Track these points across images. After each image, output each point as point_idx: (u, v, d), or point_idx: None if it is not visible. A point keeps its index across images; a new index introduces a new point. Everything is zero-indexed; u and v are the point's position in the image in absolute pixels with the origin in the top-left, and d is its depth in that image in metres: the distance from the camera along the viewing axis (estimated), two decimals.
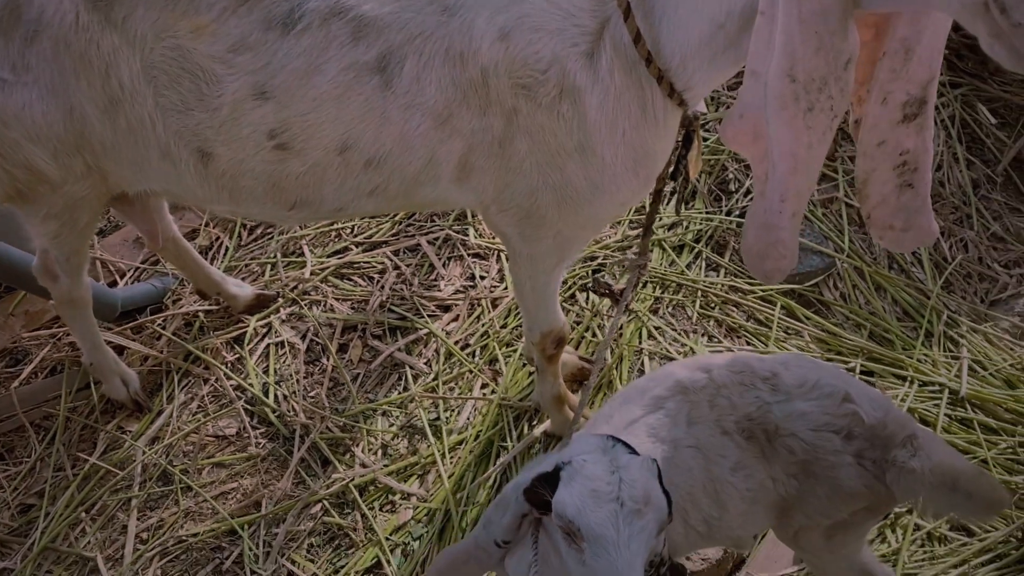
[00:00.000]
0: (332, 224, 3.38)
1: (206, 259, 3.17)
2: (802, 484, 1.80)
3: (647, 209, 2.24)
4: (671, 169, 2.04)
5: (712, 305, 3.08)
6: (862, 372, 2.87)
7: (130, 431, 2.87)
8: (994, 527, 2.52)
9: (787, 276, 3.12)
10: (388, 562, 2.54)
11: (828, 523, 1.85)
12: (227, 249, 3.36)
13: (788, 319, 3.02)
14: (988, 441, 2.67)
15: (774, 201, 1.57)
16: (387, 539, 2.58)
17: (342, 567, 2.55)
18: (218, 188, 1.99)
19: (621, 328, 2.99)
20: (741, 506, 1.83)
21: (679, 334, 2.98)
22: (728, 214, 3.33)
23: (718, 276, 3.16)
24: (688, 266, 3.19)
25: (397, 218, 3.38)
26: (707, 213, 3.34)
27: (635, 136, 1.82)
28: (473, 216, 3.37)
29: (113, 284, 3.25)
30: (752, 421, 1.81)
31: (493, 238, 3.31)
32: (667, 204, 3.35)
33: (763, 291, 3.09)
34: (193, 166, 1.96)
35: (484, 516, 1.67)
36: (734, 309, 3.06)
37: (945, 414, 2.73)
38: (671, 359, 2.89)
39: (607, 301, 3.03)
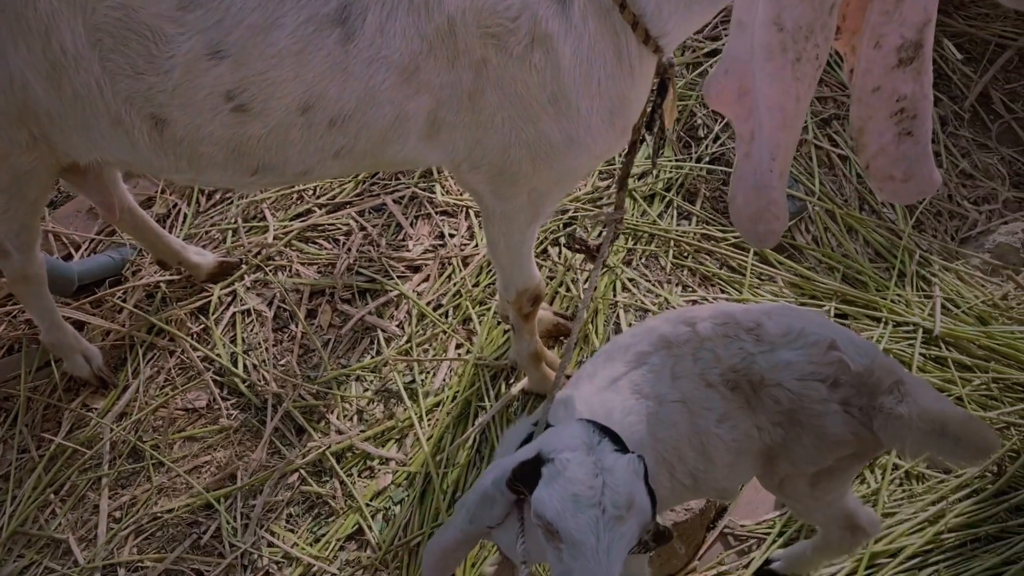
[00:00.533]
0: (293, 187, 3.28)
1: (164, 227, 3.06)
2: (788, 433, 1.79)
3: (622, 161, 2.19)
4: (646, 119, 1.98)
5: (685, 254, 3.04)
6: (836, 315, 2.87)
7: (96, 408, 2.78)
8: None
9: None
10: (369, 528, 2.51)
11: (813, 470, 1.84)
12: (185, 216, 3.25)
13: (761, 265, 3.00)
14: (962, 378, 2.69)
15: (763, 160, 1.52)
16: (367, 505, 2.55)
17: (323, 535, 2.51)
18: (176, 156, 1.89)
19: (591, 280, 2.95)
20: (727, 457, 1.82)
21: (653, 285, 2.95)
22: (698, 161, 3.28)
23: (690, 224, 3.13)
24: (660, 216, 3.15)
25: (361, 177, 3.28)
26: (676, 161, 3.29)
27: (611, 85, 1.76)
28: (440, 173, 3.28)
29: (68, 258, 3.13)
30: (737, 372, 1.78)
31: (461, 195, 3.24)
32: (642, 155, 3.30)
33: (735, 238, 3.06)
34: (147, 133, 1.85)
35: (466, 509, 1.58)
36: (707, 257, 3.04)
37: (920, 353, 2.74)
38: (646, 311, 2.86)
39: (580, 256, 2.99)
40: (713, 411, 1.77)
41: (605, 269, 2.97)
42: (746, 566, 2.39)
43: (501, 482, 1.45)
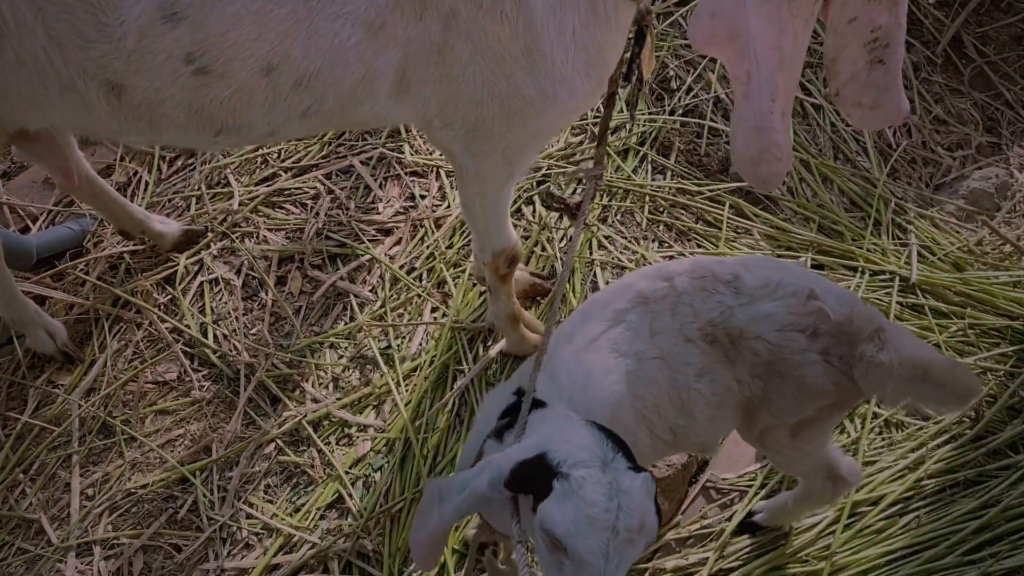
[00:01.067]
0: (257, 150, 3.18)
1: (125, 196, 2.96)
2: (767, 384, 1.78)
3: (600, 115, 2.13)
4: (624, 70, 1.91)
5: (661, 209, 3.01)
6: (813, 265, 2.85)
7: (62, 385, 2.71)
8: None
9: (734, 174, 3.08)
10: (350, 496, 2.47)
11: (794, 421, 1.83)
12: (147, 184, 3.14)
13: (737, 218, 2.97)
14: (939, 325, 2.70)
15: (763, 102, 1.47)
16: (347, 473, 2.51)
17: (302, 505, 2.48)
18: (134, 119, 1.80)
19: (571, 240, 2.90)
20: (707, 411, 1.80)
21: (629, 241, 2.91)
22: (671, 114, 3.23)
23: (665, 179, 3.08)
24: (634, 171, 3.10)
25: (327, 139, 3.19)
26: (650, 114, 3.24)
27: (585, 35, 1.69)
28: (408, 132, 3.20)
29: (25, 230, 3.02)
30: (715, 326, 1.76)
31: (431, 154, 3.16)
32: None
33: (711, 191, 3.03)
34: (104, 99, 1.76)
35: (454, 506, 1.45)
36: (683, 212, 3.00)
37: (897, 302, 2.74)
38: (623, 268, 2.82)
39: (557, 215, 2.93)
40: (692, 366, 1.74)
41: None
42: (729, 519, 2.40)
43: (499, 483, 1.37)
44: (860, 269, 2.83)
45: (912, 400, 1.70)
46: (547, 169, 3.08)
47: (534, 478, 1.33)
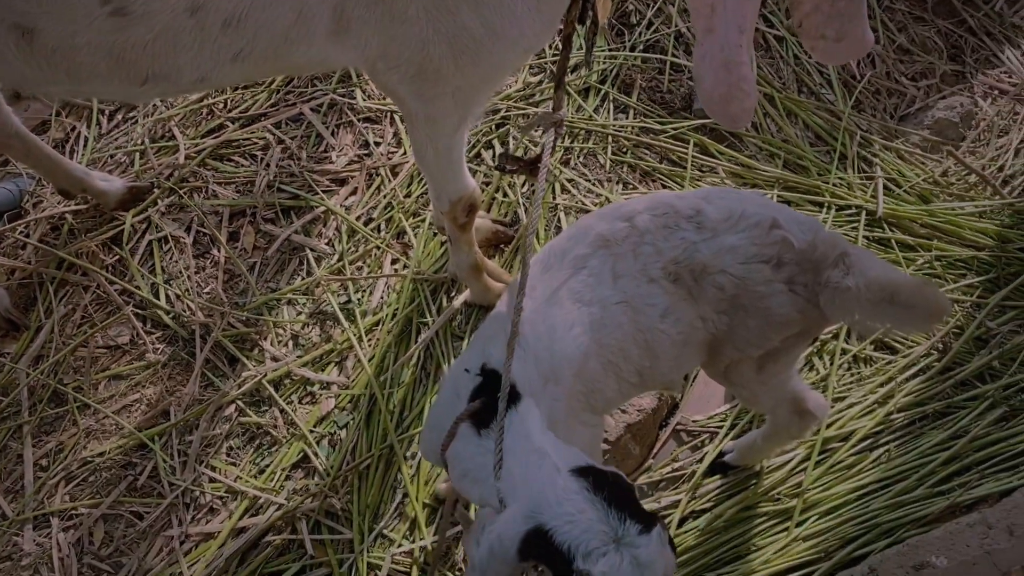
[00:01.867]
0: (202, 100, 3.04)
1: (63, 153, 2.82)
2: (732, 319, 1.74)
3: (555, 55, 2.03)
4: (578, 11, 1.81)
5: (624, 150, 2.93)
6: (779, 201, 2.80)
7: (8, 353, 2.60)
8: (916, 342, 2.56)
9: (697, 111, 3.01)
10: (315, 454, 2.42)
11: (759, 354, 1.80)
12: (86, 140, 3.00)
13: (702, 156, 2.91)
14: (906, 258, 2.67)
15: (731, 35, 1.39)
16: (311, 432, 2.45)
17: (267, 466, 2.42)
18: (51, 67, 1.67)
19: (532, 185, 2.82)
20: (672, 351, 1.76)
21: (593, 184, 2.84)
22: (632, 50, 3.13)
23: (627, 118, 3.00)
24: (595, 110, 3.01)
25: (274, 86, 3.06)
26: (610, 51, 3.14)
27: None
28: (359, 76, 3.07)
29: None
30: (678, 264, 1.71)
31: (384, 99, 3.04)
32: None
33: (674, 130, 2.95)
34: (14, 44, 1.63)
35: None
36: (647, 152, 2.93)
37: (864, 236, 2.71)
38: (587, 212, 2.75)
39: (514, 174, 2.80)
40: (656, 307, 1.69)
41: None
42: (700, 460, 2.38)
43: (505, 557, 1.33)
44: (827, 204, 2.79)
45: (881, 324, 1.67)
46: (506, 111, 2.98)
47: (545, 558, 1.30)
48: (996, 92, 3.09)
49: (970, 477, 2.29)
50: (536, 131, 2.89)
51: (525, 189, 2.82)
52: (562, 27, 1.93)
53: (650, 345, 1.75)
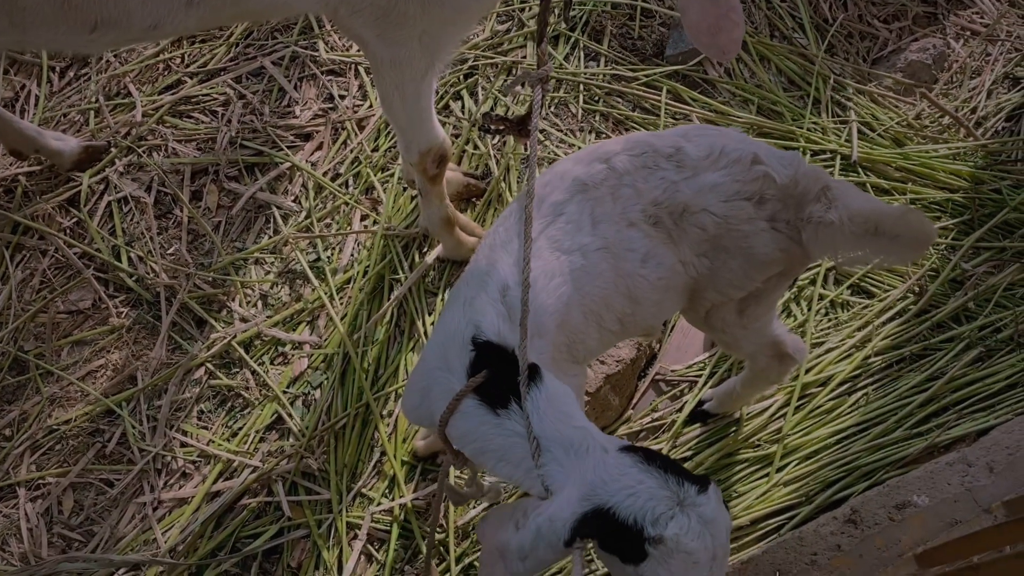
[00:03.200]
0: (158, 55, 2.92)
1: (13, 113, 2.70)
2: (714, 262, 1.71)
3: (537, 11, 1.95)
4: None
5: (596, 98, 2.87)
6: None
7: None
8: (892, 285, 2.55)
9: (670, 58, 2.95)
10: (290, 415, 2.37)
11: (741, 296, 1.77)
12: (37, 98, 2.87)
13: (675, 103, 2.86)
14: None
15: None
16: (284, 392, 2.40)
17: (240, 429, 2.37)
18: None
19: (504, 141, 2.76)
20: (654, 296, 1.73)
21: (565, 134, 2.78)
22: None
23: (598, 66, 2.94)
24: (566, 58, 2.94)
25: (232, 39, 2.94)
26: None
27: None
28: (321, 27, 2.97)
29: None
30: (659, 206, 1.66)
31: (348, 50, 2.95)
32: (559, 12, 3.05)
33: (646, 77, 2.89)
34: None
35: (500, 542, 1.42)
36: (619, 100, 2.87)
37: None
38: None
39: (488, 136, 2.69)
40: (636, 252, 1.65)
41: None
42: (680, 410, 2.37)
43: (556, 543, 1.33)
44: (801, 149, 2.75)
45: (866, 256, 1.65)
46: (474, 61, 2.90)
47: (609, 535, 1.32)
48: (968, 33, 3.07)
49: (948, 418, 2.30)
50: (521, 88, 2.81)
51: (496, 141, 2.75)
52: None
53: (631, 292, 1.71)
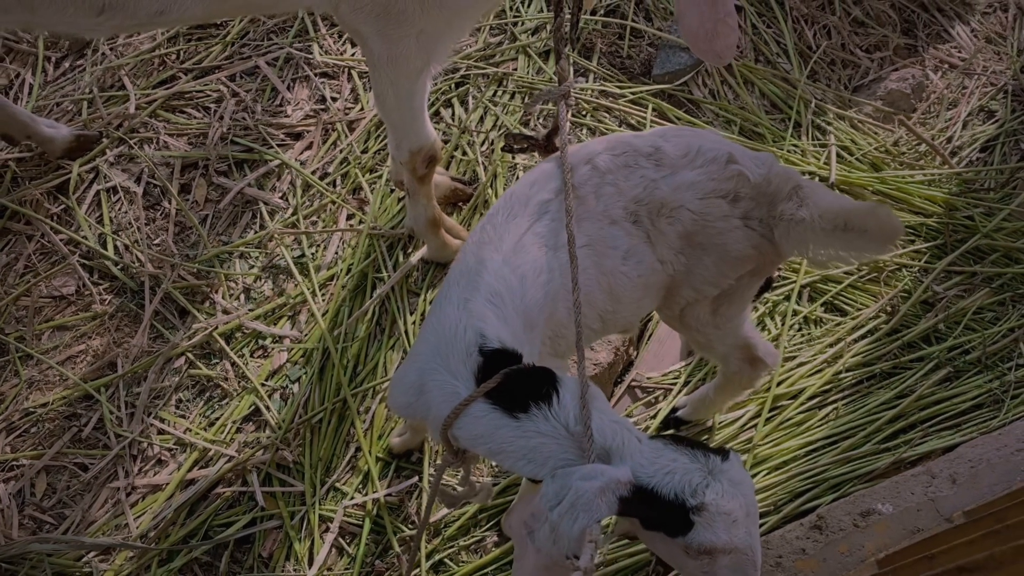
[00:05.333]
0: (154, 50, 2.96)
1: (8, 100, 2.72)
2: (689, 259, 1.76)
3: (515, 16, 2.01)
4: None
5: (583, 112, 2.93)
6: None
7: None
8: (865, 304, 2.61)
9: (656, 77, 3.02)
10: (267, 408, 2.38)
11: (715, 293, 1.82)
12: (31, 87, 2.90)
13: (660, 120, 2.92)
14: None
15: None
16: (263, 385, 2.41)
17: (217, 419, 2.38)
18: None
19: (492, 143, 2.81)
20: (634, 294, 1.77)
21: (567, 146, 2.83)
22: (593, 14, 3.12)
23: (587, 81, 3.00)
24: (555, 73, 3.00)
25: (229, 38, 2.99)
26: (571, 14, 3.12)
27: None
28: (316, 30, 3.02)
29: None
30: (639, 203, 1.72)
31: (342, 54, 3.00)
32: (535, 8, 3.11)
33: (633, 94, 2.96)
34: None
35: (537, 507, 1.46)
36: (606, 115, 2.93)
37: None
38: None
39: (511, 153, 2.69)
40: (618, 249, 1.70)
41: (502, 129, 2.82)
42: (654, 417, 2.40)
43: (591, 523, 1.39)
44: None
45: (835, 252, 1.70)
46: (466, 71, 2.95)
47: (654, 515, 1.43)
48: (946, 66, 3.16)
49: (915, 434, 2.35)
50: (543, 104, 2.85)
51: (484, 147, 2.80)
52: None
53: (613, 289, 1.75)
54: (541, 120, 2.87)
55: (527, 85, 2.93)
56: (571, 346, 1.79)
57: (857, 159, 2.88)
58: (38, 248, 2.60)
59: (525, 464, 1.52)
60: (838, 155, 2.87)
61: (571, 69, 2.94)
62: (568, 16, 1.86)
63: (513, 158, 2.76)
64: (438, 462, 2.04)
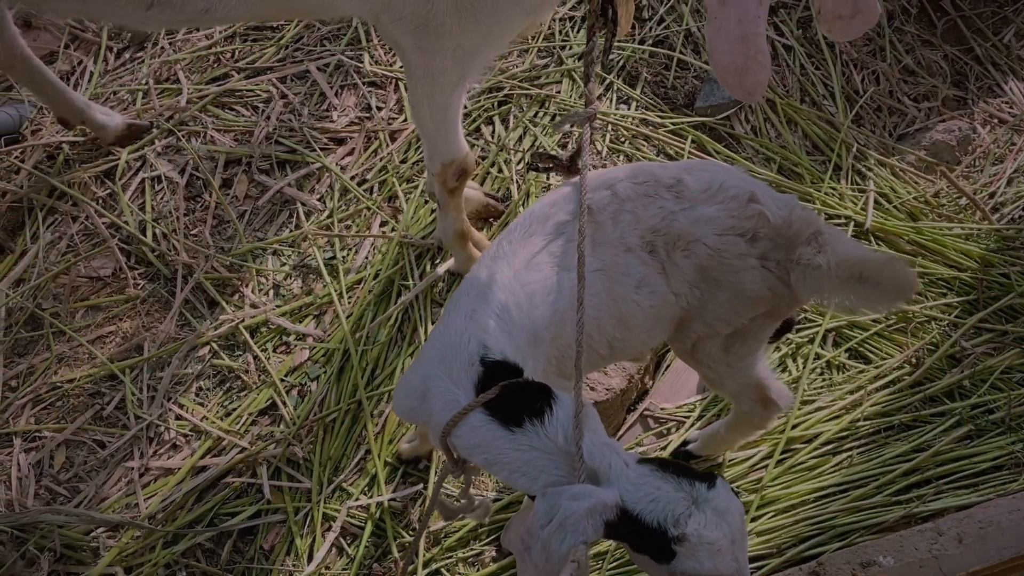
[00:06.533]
0: (210, 48, 3.06)
1: (68, 86, 2.83)
2: (704, 293, 1.76)
3: (563, 42, 2.04)
4: (599, 2, 1.81)
5: (622, 139, 2.95)
6: None
7: None
8: (889, 354, 2.57)
9: (699, 109, 3.03)
10: (284, 403, 2.42)
11: (728, 331, 1.81)
12: (92, 75, 3.01)
13: (698, 153, 2.92)
14: None
15: (749, 7, 1.41)
16: (282, 380, 2.46)
17: (234, 409, 2.43)
18: None
19: (521, 162, 2.84)
20: (645, 324, 1.78)
21: (588, 169, 2.85)
22: (641, 43, 3.15)
23: (629, 109, 3.02)
24: (599, 98, 3.03)
25: (283, 41, 3.07)
26: (619, 42, 3.15)
27: None
28: (368, 40, 3.09)
29: None
30: (656, 233, 1.72)
31: (391, 65, 3.06)
32: (598, 54, 3.15)
33: (674, 124, 2.97)
34: None
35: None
36: (644, 143, 2.94)
37: None
38: None
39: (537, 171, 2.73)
40: (631, 277, 1.71)
41: (539, 147, 2.86)
42: (664, 448, 2.39)
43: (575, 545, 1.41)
44: (816, 211, 2.80)
45: (850, 302, 1.69)
46: (509, 90, 3.00)
47: (638, 542, 1.44)
48: (995, 121, 3.12)
49: (928, 490, 2.30)
50: (569, 126, 2.89)
51: (520, 166, 2.84)
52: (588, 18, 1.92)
53: (623, 316, 1.76)
54: (575, 142, 2.89)
55: (568, 108, 2.96)
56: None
57: (895, 206, 2.85)
58: (81, 229, 2.69)
59: (520, 477, 1.53)
60: (876, 201, 2.84)
61: (598, 92, 2.96)
62: (601, 41, 1.87)
63: (548, 179, 2.78)
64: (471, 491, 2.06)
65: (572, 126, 2.83)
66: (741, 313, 1.75)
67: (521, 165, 2.82)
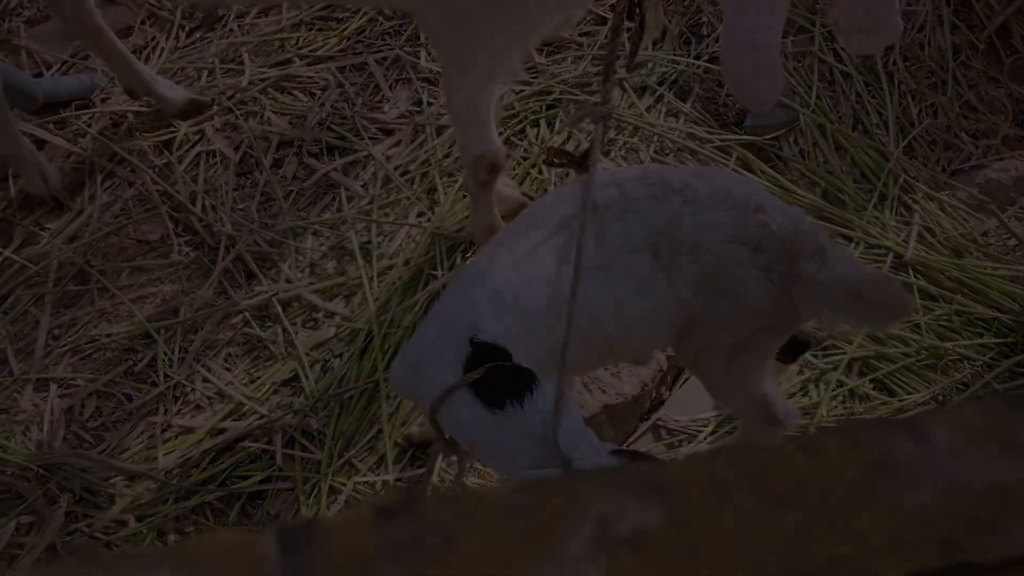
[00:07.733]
0: (276, 33, 3.18)
1: (139, 59, 2.98)
2: (706, 300, 1.75)
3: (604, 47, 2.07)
4: (626, 4, 1.84)
5: (667, 151, 2.95)
6: None
7: (49, 228, 2.76)
8: (916, 389, 2.51)
9: (748, 128, 3.02)
10: (306, 376, 2.50)
11: (730, 342, 1.80)
12: (163, 51, 3.16)
13: (742, 171, 2.91)
14: (925, 307, 2.63)
15: (761, 16, 1.44)
16: (307, 354, 2.53)
17: (258, 377, 2.51)
18: None
19: (568, 174, 2.87)
20: (643, 326, 1.78)
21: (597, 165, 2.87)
22: (697, 58, 3.16)
23: (677, 122, 3.03)
24: (648, 109, 3.05)
25: (346, 32, 3.18)
26: (674, 56, 3.17)
27: None
28: (427, 38, 3.17)
29: (38, 76, 3.06)
30: (661, 236, 1.72)
31: None
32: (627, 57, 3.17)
33: (721, 141, 2.97)
34: None
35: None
36: (689, 157, 2.94)
37: None
38: None
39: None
40: (633, 278, 1.71)
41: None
42: (672, 459, 2.38)
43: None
44: (856, 240, 2.76)
45: (846, 320, 1.68)
46: (559, 95, 3.04)
47: None
48: None
49: None
50: (584, 123, 2.93)
51: (560, 169, 2.87)
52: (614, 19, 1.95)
53: (623, 316, 1.77)
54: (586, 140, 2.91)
55: (615, 117, 2.98)
56: (575, 364, 1.81)
57: (939, 241, 2.78)
58: (136, 195, 2.82)
59: (499, 459, 1.56)
60: (920, 235, 2.79)
61: (616, 93, 2.96)
62: (626, 43, 1.90)
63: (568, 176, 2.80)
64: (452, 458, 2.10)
65: (588, 122, 2.83)
66: (742, 324, 1.74)
67: (561, 169, 2.85)
